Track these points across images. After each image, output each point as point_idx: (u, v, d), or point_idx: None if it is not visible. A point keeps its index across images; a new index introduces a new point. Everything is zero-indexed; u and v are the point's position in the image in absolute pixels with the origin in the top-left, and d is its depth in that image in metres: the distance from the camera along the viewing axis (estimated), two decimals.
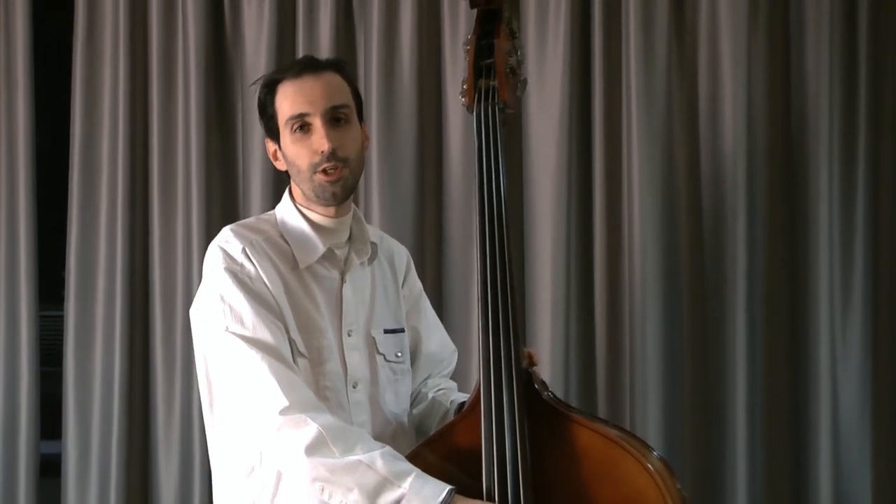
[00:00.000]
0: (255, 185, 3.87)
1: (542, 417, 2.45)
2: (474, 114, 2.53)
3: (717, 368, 3.83)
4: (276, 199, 3.72)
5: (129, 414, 3.90)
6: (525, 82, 2.64)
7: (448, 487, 2.33)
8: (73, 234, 3.92)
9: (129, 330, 3.91)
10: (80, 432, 3.92)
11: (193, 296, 3.74)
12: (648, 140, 3.79)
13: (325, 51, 3.80)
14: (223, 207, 3.95)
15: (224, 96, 3.96)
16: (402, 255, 2.89)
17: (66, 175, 3.93)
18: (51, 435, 3.98)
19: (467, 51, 2.58)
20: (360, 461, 2.36)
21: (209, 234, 3.76)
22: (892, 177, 3.83)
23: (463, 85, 2.57)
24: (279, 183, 3.81)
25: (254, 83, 2.79)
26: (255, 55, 3.88)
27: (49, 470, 3.96)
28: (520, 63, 2.60)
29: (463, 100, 2.56)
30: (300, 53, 3.83)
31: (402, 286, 2.84)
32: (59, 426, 3.94)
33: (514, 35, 2.60)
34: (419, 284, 2.91)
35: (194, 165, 3.87)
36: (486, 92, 2.52)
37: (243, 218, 3.69)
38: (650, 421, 3.78)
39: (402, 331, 2.77)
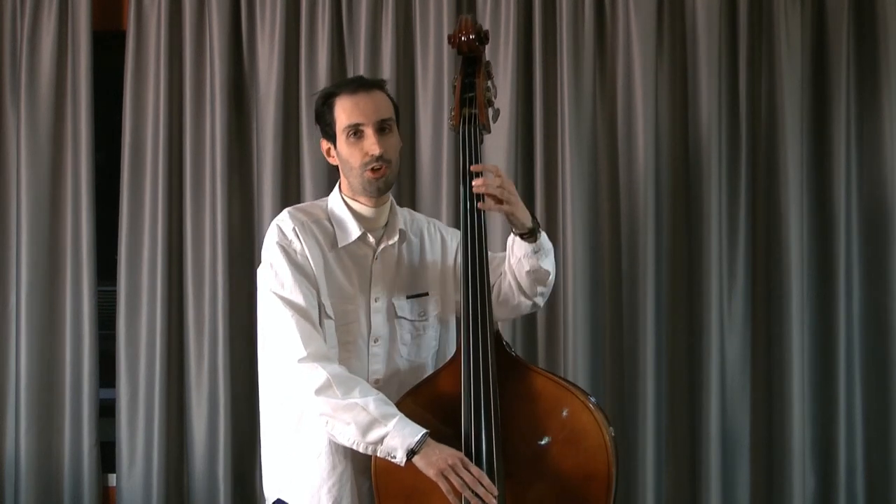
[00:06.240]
0: (267, 185, 3.88)
1: (507, 368, 2.54)
2: (460, 133, 2.62)
3: (631, 334, 3.86)
4: (284, 196, 3.86)
5: (168, 367, 3.91)
6: (498, 111, 2.70)
7: (424, 431, 2.41)
8: (123, 226, 3.93)
9: (167, 301, 3.91)
10: (129, 381, 3.93)
11: (220, 274, 3.86)
12: (578, 150, 3.82)
13: (321, 81, 3.84)
14: (241, 202, 3.96)
15: (242, 116, 3.97)
16: (455, 236, 2.87)
17: (119, 180, 3.94)
18: (107, 383, 4.00)
19: (454, 87, 2.67)
20: (356, 403, 2.43)
21: (231, 225, 3.91)
22: (767, 179, 3.88)
23: (451, 112, 2.66)
24: (287, 183, 3.92)
25: (314, 94, 2.82)
26: (267, 84, 3.89)
27: (106, 411, 3.98)
28: (494, 96, 2.67)
29: (451, 123, 2.66)
30: (302, 84, 3.87)
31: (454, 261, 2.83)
32: (113, 376, 3.96)
33: (490, 75, 2.68)
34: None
35: (219, 170, 3.88)
36: (469, 117, 2.62)
37: (257, 210, 3.87)
38: (579, 375, 3.78)
39: (426, 294, 2.77)
